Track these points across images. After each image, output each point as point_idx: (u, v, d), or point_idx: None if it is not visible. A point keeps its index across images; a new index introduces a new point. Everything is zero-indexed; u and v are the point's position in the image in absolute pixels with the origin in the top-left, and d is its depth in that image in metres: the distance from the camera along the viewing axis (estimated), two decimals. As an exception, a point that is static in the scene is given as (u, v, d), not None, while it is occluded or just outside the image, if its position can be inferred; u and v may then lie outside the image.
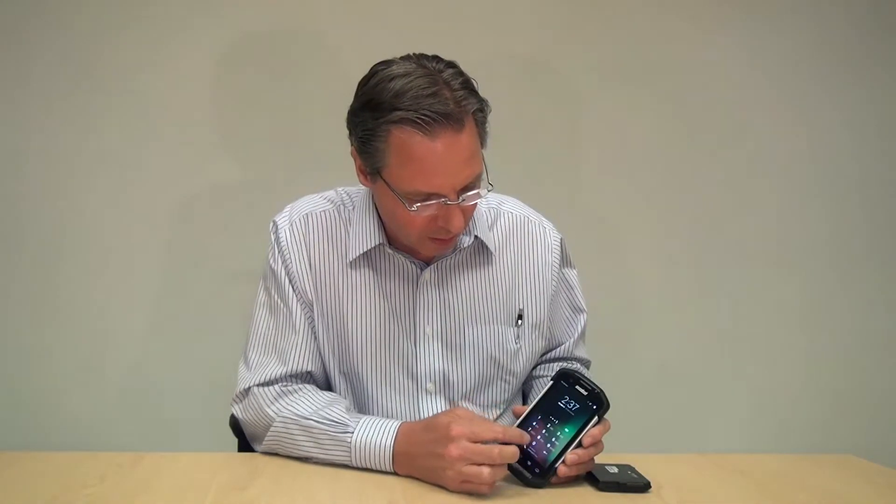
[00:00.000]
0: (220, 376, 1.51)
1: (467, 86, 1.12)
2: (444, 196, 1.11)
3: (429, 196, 1.11)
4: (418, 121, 1.07)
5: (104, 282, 2.00)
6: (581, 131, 2.15)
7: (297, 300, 1.25)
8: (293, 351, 1.23)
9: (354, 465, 1.11)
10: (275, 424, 1.17)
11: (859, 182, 2.24)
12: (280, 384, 1.22)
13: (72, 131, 1.97)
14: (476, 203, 1.17)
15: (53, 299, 1.99)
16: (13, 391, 1.98)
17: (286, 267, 1.25)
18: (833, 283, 2.25)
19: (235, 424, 1.37)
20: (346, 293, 1.25)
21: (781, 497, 1.08)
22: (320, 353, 1.26)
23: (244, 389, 1.23)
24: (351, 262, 1.25)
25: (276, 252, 1.26)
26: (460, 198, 1.12)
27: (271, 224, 1.28)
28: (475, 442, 1.02)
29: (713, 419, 2.22)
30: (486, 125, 1.16)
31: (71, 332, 1.99)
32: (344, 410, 1.15)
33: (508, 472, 1.05)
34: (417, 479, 1.08)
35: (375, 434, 1.10)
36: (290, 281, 1.25)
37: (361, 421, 1.12)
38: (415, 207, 1.11)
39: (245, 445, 1.31)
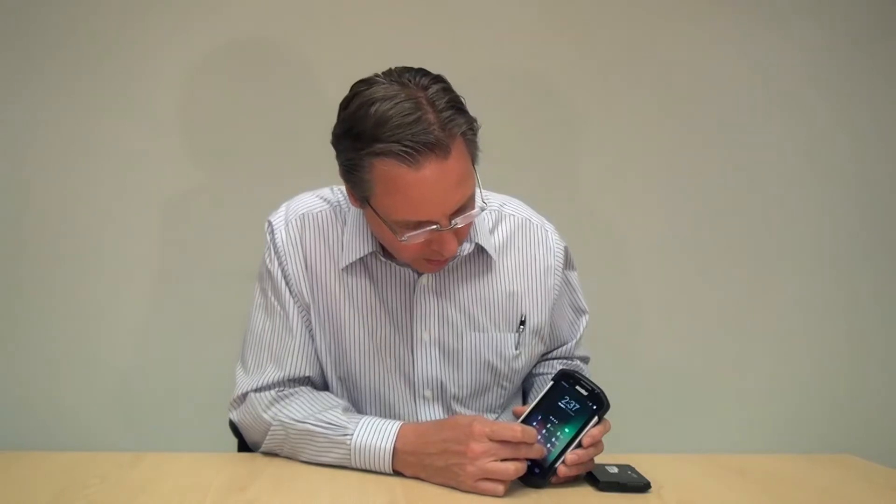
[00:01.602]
0: (220, 376, 1.51)
1: (454, 105, 1.06)
2: (435, 223, 1.08)
3: (419, 224, 1.08)
4: (401, 153, 1.02)
5: (103, 282, 2.00)
6: (581, 134, 2.15)
7: (294, 303, 1.23)
8: (290, 356, 1.22)
9: (353, 466, 1.11)
10: (272, 429, 1.17)
11: (859, 184, 2.24)
12: (276, 389, 1.20)
13: (66, 133, 1.96)
14: (469, 223, 1.14)
15: (53, 299, 1.99)
16: (13, 391, 1.98)
17: (282, 268, 1.22)
18: (833, 284, 2.25)
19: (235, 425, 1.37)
20: (343, 297, 1.23)
21: (781, 497, 1.08)
22: (318, 356, 1.24)
23: (241, 394, 1.22)
24: (346, 267, 1.23)
25: (273, 253, 1.23)
26: (452, 222, 1.09)
27: (266, 224, 1.26)
28: (495, 441, 1.03)
29: (713, 419, 2.22)
30: (477, 141, 1.11)
31: (70, 332, 1.99)
32: (341, 412, 1.15)
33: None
34: (420, 478, 1.08)
35: (375, 436, 1.09)
36: (287, 283, 1.23)
37: (360, 422, 1.12)
38: (405, 237, 1.09)
39: (245, 445, 1.31)
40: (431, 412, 1.26)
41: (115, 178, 1.99)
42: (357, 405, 1.26)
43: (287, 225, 1.24)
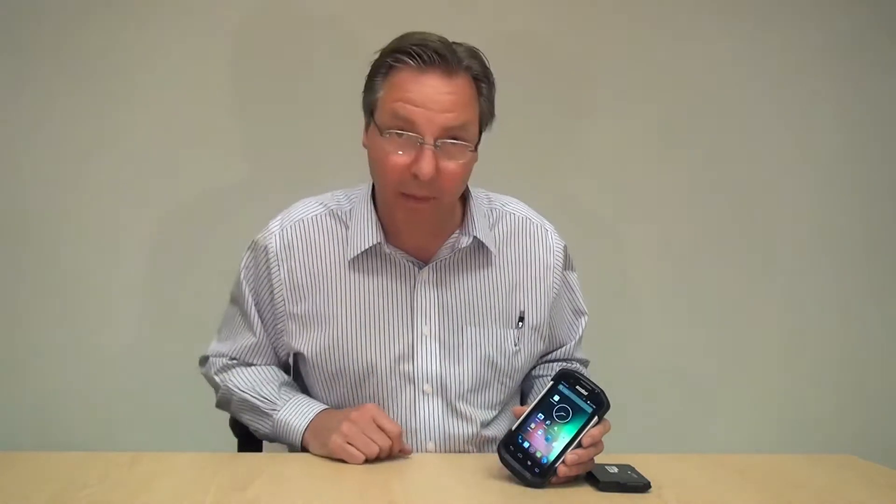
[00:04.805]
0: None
1: (473, 54, 1.17)
2: (420, 135, 1.12)
3: (405, 125, 1.13)
4: (413, 53, 1.13)
5: (102, 281, 2.00)
6: (580, 133, 2.15)
7: (258, 314, 1.31)
8: (247, 350, 1.33)
9: (277, 439, 1.24)
10: (220, 391, 1.34)
11: (860, 183, 2.25)
12: (228, 357, 1.35)
13: (65, 131, 1.96)
14: (456, 165, 1.15)
15: (52, 299, 1.99)
16: (13, 391, 1.98)
17: (269, 274, 1.28)
18: (833, 284, 2.25)
19: (235, 424, 1.37)
20: (343, 292, 1.25)
21: (781, 497, 1.08)
22: (276, 354, 1.33)
23: (206, 354, 1.39)
24: (349, 262, 1.24)
25: (251, 255, 1.32)
26: (437, 143, 1.12)
27: (260, 234, 1.31)
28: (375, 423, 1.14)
29: (713, 419, 2.22)
30: (489, 104, 1.20)
31: (70, 331, 1.99)
32: (277, 387, 1.27)
33: (499, 468, 1.08)
34: (321, 456, 1.16)
35: (294, 416, 1.21)
36: (257, 295, 1.30)
37: (290, 400, 1.24)
38: (387, 134, 1.14)
39: (245, 445, 1.31)
40: (431, 407, 1.26)
41: (115, 177, 1.99)
42: (357, 399, 1.27)
43: (282, 230, 1.28)
